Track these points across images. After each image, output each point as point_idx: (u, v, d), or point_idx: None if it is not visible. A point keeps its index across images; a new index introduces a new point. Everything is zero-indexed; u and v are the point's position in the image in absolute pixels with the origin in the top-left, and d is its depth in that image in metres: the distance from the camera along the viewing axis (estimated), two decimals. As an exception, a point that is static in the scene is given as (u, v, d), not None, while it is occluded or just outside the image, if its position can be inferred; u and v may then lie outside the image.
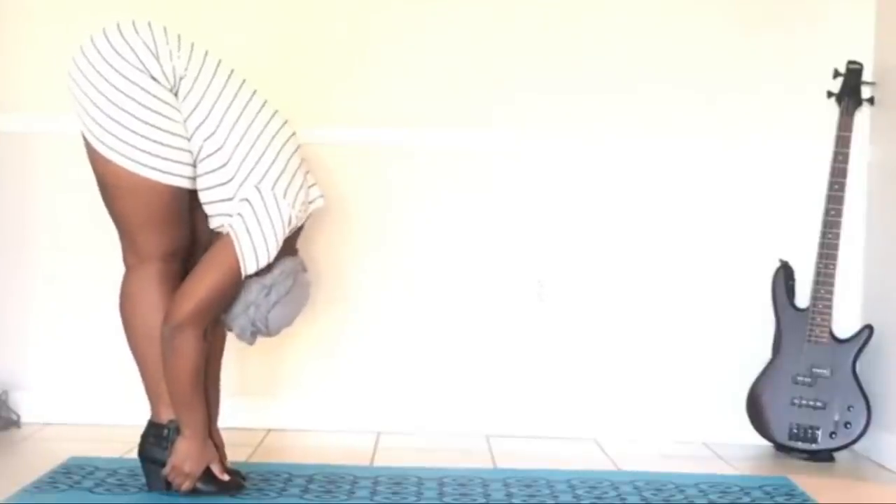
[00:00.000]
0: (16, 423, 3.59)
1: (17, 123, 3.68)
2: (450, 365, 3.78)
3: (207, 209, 2.86)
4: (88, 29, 2.81)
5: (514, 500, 2.91)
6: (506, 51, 3.75)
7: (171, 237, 2.85)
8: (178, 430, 2.83)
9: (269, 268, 2.82)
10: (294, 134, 2.94)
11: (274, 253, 2.80)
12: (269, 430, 3.65)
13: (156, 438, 2.85)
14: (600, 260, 3.78)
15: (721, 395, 3.73)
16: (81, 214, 3.61)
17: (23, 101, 3.68)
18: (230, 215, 2.80)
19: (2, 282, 3.70)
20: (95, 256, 3.59)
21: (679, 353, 3.78)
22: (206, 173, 2.81)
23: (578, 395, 3.78)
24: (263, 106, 2.88)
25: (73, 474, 3.01)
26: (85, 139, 2.82)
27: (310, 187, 2.95)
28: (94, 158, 2.81)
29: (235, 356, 3.34)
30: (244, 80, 2.88)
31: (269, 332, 2.88)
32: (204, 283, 2.78)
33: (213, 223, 2.86)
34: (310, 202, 2.94)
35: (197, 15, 3.61)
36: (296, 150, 2.92)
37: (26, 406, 3.64)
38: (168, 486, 2.84)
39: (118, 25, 2.79)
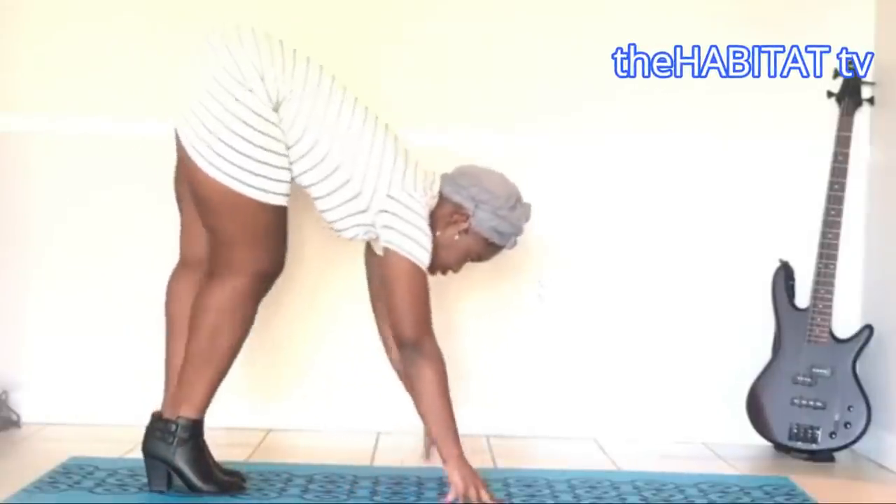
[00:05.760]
0: (16, 423, 3.59)
1: (15, 123, 3.67)
2: (449, 365, 3.75)
3: (338, 224, 2.89)
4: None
5: (514, 500, 2.91)
6: (504, 51, 3.75)
7: (269, 254, 2.81)
8: (185, 428, 2.78)
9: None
10: (387, 125, 2.94)
11: (431, 238, 2.86)
12: (269, 430, 3.65)
13: (162, 433, 2.80)
14: (600, 260, 3.78)
15: (721, 395, 3.73)
16: (81, 214, 3.61)
17: (20, 100, 3.67)
18: (372, 225, 2.85)
19: (1, 282, 3.70)
20: (95, 256, 3.59)
21: (679, 353, 3.78)
22: (329, 193, 2.83)
23: (578, 395, 3.78)
24: (366, 112, 2.88)
25: (73, 474, 3.00)
26: (185, 151, 2.75)
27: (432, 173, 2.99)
28: (194, 173, 2.74)
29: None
30: (345, 88, 2.86)
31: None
32: (406, 299, 2.84)
33: (349, 234, 2.91)
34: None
35: (195, 12, 3.61)
36: (397, 142, 2.93)
37: (26, 406, 3.63)
38: (169, 485, 2.83)
39: (225, 40, 2.75)
